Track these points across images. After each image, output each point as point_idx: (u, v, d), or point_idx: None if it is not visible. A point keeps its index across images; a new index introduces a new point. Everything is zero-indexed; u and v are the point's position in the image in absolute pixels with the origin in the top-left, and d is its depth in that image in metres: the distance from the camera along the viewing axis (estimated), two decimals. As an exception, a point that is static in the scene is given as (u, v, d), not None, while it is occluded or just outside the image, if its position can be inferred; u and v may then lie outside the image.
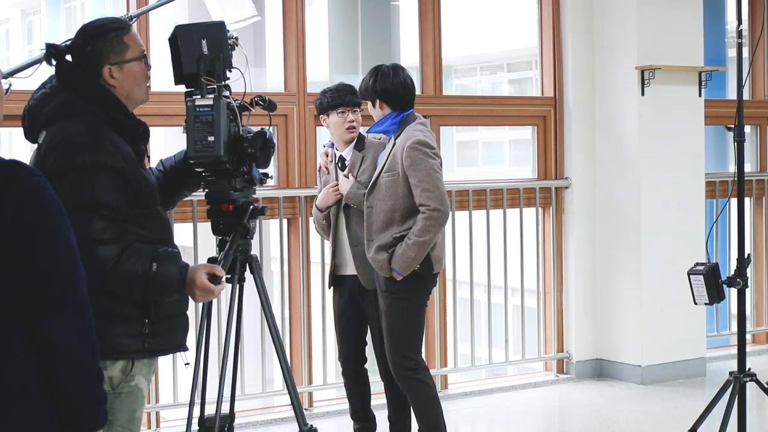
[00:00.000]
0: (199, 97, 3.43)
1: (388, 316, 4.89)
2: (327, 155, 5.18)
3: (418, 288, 4.90)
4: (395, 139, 4.86)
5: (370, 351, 5.24)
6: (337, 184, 5.04)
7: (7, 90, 2.76)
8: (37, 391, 2.39)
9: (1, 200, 2.33)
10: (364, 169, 5.04)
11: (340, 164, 5.11)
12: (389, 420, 5.20)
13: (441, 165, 4.89)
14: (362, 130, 5.15)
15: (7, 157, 2.45)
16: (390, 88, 4.88)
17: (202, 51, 3.45)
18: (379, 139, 5.12)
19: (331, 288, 5.23)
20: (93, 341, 2.46)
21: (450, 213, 4.77)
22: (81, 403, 2.43)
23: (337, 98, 5.03)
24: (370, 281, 5.02)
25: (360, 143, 5.10)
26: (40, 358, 2.39)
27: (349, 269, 5.09)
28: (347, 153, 5.10)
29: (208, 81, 3.43)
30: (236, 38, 3.57)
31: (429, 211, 4.73)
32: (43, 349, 2.38)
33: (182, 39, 3.46)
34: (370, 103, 4.94)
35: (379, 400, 5.35)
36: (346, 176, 5.02)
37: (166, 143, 6.80)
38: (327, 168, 5.18)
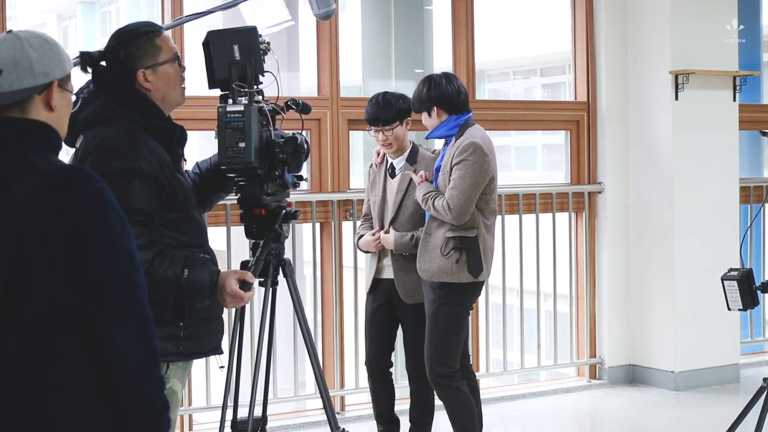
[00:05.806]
0: (230, 102, 3.45)
1: (433, 320, 4.88)
2: (378, 154, 5.19)
3: (467, 295, 4.92)
4: (456, 140, 4.86)
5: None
6: (379, 237, 5.05)
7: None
8: (92, 399, 2.34)
9: (62, 206, 2.28)
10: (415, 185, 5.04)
11: (390, 171, 5.13)
12: (412, 422, 5.22)
13: (493, 172, 4.86)
14: (414, 138, 5.13)
15: None
16: (445, 93, 4.88)
17: (234, 56, 3.46)
18: (433, 152, 5.15)
19: (366, 291, 5.25)
20: (153, 350, 2.39)
21: (460, 221, 4.77)
22: (141, 413, 2.38)
23: (369, 118, 5.03)
24: (409, 295, 5.03)
25: (412, 155, 5.10)
26: (100, 366, 2.34)
27: (386, 273, 5.11)
28: (398, 162, 5.10)
29: (240, 86, 3.45)
30: (268, 43, 3.59)
31: (446, 206, 4.74)
32: (103, 357, 2.33)
33: (214, 44, 3.48)
34: (425, 113, 4.93)
35: (401, 405, 5.36)
36: (387, 231, 5.04)
37: (200, 147, 6.84)
38: (376, 166, 5.20)
